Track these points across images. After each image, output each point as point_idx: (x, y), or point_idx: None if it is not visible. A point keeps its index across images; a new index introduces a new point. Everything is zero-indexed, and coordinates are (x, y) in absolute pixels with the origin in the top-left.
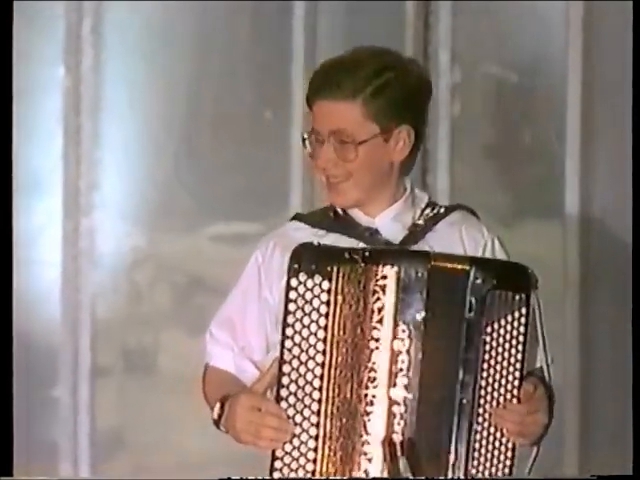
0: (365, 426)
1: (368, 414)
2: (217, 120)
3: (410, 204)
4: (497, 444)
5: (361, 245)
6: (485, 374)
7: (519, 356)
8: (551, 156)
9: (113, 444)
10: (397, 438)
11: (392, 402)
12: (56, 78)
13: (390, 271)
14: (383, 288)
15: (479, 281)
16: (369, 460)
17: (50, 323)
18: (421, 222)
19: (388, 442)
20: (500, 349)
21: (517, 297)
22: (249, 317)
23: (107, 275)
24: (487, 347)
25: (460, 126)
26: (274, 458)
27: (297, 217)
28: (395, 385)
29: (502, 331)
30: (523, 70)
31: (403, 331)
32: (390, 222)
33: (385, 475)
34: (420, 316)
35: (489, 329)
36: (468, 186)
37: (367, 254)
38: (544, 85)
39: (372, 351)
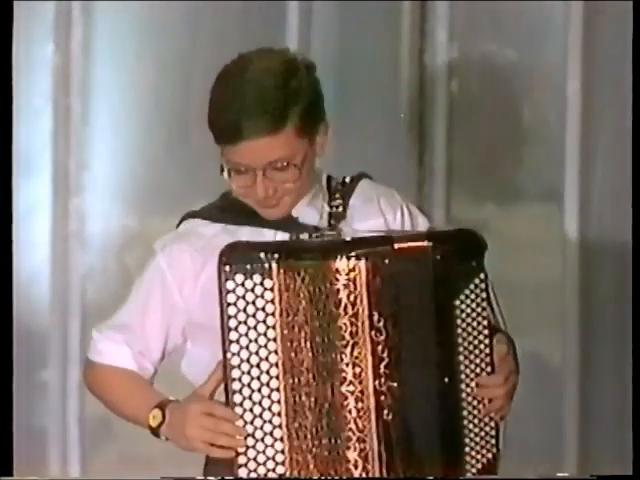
0: (356, 422)
1: (357, 409)
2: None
3: (318, 186)
4: (482, 416)
5: (279, 235)
6: (461, 348)
7: (486, 322)
8: (550, 137)
9: (103, 429)
10: (386, 429)
11: (378, 393)
12: (45, 56)
13: (357, 263)
14: (353, 280)
15: (440, 256)
16: (364, 456)
17: (39, 305)
18: (338, 201)
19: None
20: (470, 319)
21: (474, 263)
22: (151, 322)
23: (97, 256)
24: (459, 321)
25: (458, 105)
26: (238, 466)
27: (192, 215)
28: (379, 376)
29: (469, 301)
30: (522, 48)
31: (379, 321)
32: (305, 208)
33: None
34: (394, 303)
35: (457, 302)
36: (465, 166)
37: (324, 247)
38: (544, 64)
39: (353, 345)
